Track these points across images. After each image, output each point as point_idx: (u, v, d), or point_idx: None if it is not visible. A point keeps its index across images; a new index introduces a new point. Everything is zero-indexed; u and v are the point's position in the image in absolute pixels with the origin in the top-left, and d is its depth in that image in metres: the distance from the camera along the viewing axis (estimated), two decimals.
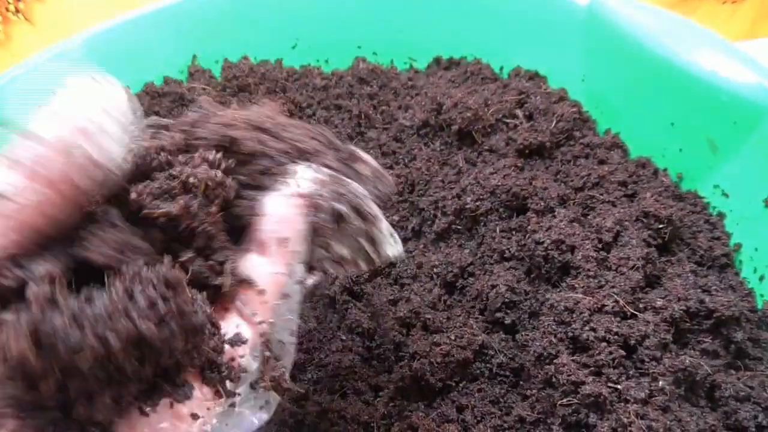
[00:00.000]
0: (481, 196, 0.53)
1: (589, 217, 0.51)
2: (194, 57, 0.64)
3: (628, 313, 0.42)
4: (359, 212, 0.30)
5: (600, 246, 0.47)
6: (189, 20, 0.64)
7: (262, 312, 0.28)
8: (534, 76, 0.64)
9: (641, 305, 0.43)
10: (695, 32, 0.54)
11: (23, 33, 0.88)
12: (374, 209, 0.31)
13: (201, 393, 0.26)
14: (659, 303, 0.43)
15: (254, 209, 0.28)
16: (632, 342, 0.41)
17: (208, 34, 0.65)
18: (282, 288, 0.28)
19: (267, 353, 0.28)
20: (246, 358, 0.27)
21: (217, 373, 0.26)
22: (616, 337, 0.41)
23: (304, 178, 0.29)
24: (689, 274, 0.47)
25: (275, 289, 0.28)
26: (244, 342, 0.27)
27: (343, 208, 0.29)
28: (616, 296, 0.43)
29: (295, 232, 0.28)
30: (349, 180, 0.30)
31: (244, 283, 0.28)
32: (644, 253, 0.46)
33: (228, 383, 0.27)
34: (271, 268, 0.28)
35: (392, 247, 0.32)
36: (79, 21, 0.61)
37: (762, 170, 0.50)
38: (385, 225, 0.31)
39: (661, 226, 0.49)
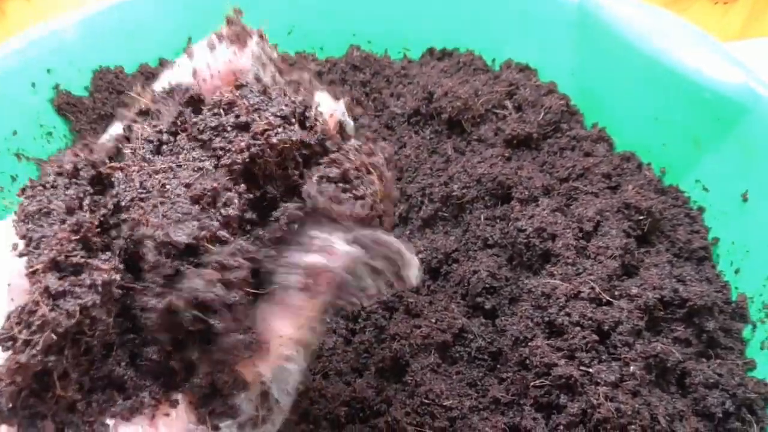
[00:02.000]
0: (468, 184, 0.54)
1: (571, 207, 0.52)
2: (189, 39, 0.65)
3: (604, 300, 0.44)
4: (388, 258, 0.28)
5: (580, 235, 0.48)
6: (185, 2, 0.65)
7: (263, 367, 0.27)
8: (525, 69, 0.65)
9: (617, 293, 0.45)
10: (683, 30, 0.55)
11: (18, 8, 0.88)
12: (397, 246, 0.28)
13: (186, 415, 0.26)
14: (634, 291, 0.44)
15: (285, 262, 0.27)
16: (606, 328, 0.42)
17: (204, 16, 0.66)
18: (286, 352, 0.27)
19: (257, 413, 0.27)
20: (242, 400, 0.27)
21: (213, 402, 0.26)
22: (590, 322, 0.42)
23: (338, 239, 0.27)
24: (666, 265, 0.48)
25: (278, 351, 0.27)
26: (245, 388, 0.27)
27: (377, 264, 0.28)
28: (592, 283, 0.44)
29: (317, 299, 0.27)
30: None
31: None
32: (623, 243, 0.47)
33: (215, 417, 0.26)
34: (281, 330, 0.27)
35: (415, 274, 0.31)
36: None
37: (741, 166, 0.51)
38: (408, 256, 0.29)
39: (641, 217, 0.50)
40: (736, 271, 0.50)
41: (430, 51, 0.69)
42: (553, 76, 0.64)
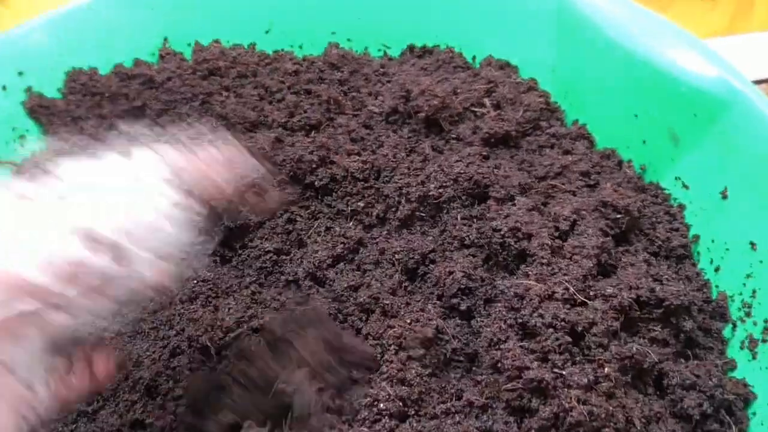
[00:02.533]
0: (444, 184, 0.53)
1: (548, 205, 0.51)
2: (166, 39, 0.64)
3: (578, 301, 0.43)
4: None
5: (556, 234, 0.48)
6: (162, 1, 0.64)
7: None
8: (505, 66, 0.64)
9: (592, 293, 0.44)
10: (660, 25, 0.54)
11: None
12: None
13: None
14: (609, 291, 0.43)
15: None
16: (580, 329, 0.42)
17: (181, 16, 0.65)
18: None
19: None
20: None
21: None
22: (563, 323, 0.41)
23: None
24: (643, 264, 0.47)
25: None
26: None
27: None
28: (567, 283, 0.43)
29: None
30: None
31: None
32: (599, 242, 0.47)
33: None
34: None
35: None
36: (56, 3, 0.61)
37: (720, 163, 0.50)
38: None
39: (618, 216, 0.49)
40: (716, 269, 0.50)
41: (410, 48, 0.68)
42: (534, 72, 0.64)
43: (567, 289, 0.43)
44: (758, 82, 0.76)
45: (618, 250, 0.49)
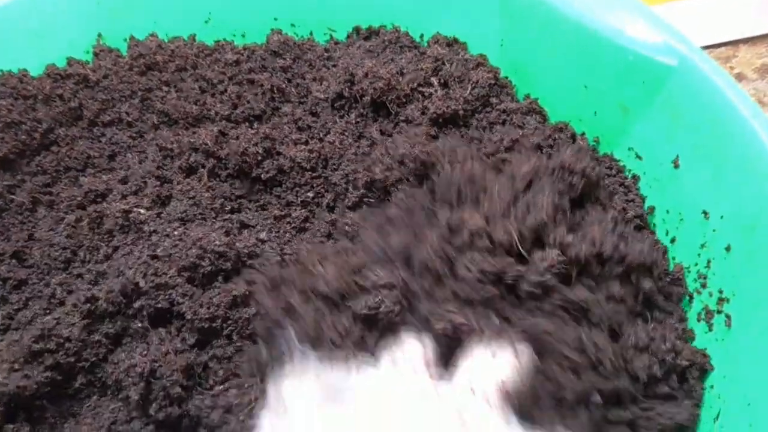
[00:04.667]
0: (390, 166, 0.51)
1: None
2: (99, 36, 0.62)
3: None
4: None
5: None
6: None
7: None
8: (453, 43, 0.62)
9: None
10: None
11: None
12: None
13: None
14: (569, 240, 0.42)
15: None
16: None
17: (114, 10, 0.62)
18: None
19: None
20: None
21: None
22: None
23: None
24: (610, 223, 0.46)
25: None
26: None
27: None
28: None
29: None
30: None
31: None
32: (556, 198, 0.45)
33: None
34: None
35: None
36: None
37: (670, 131, 0.49)
38: None
39: (574, 179, 0.47)
40: (672, 241, 0.49)
41: (357, 30, 0.66)
42: (483, 48, 0.62)
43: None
44: (707, 48, 0.74)
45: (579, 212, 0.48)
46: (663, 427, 0.40)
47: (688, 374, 0.42)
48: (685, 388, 0.41)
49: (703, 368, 0.42)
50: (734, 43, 0.76)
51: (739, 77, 0.73)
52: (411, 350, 0.38)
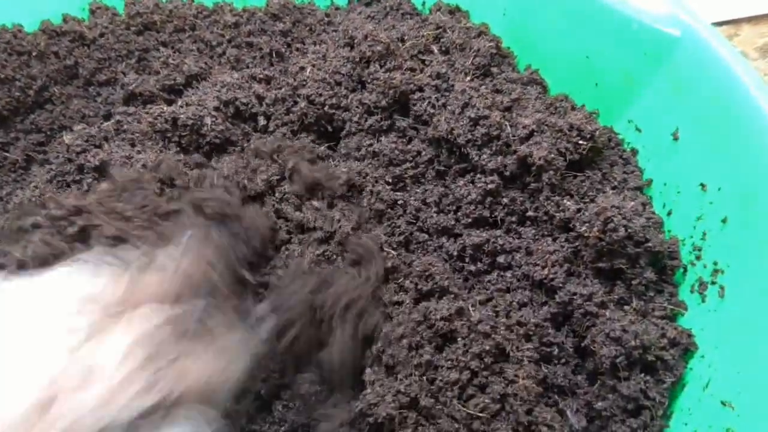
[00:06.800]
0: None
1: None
2: None
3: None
4: None
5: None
6: None
7: None
8: (455, 11, 0.62)
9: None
10: None
11: None
12: None
13: None
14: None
15: None
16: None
17: None
18: None
19: None
20: None
21: None
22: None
23: None
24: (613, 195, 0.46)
25: None
26: None
27: None
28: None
29: None
30: None
31: None
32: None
33: None
34: None
35: None
36: None
37: (672, 103, 0.48)
38: None
39: (582, 141, 0.47)
40: (669, 213, 0.48)
41: None
42: (485, 17, 0.61)
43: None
44: (719, 24, 0.74)
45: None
46: None
47: (659, 364, 0.41)
48: (656, 375, 0.41)
49: (686, 348, 0.42)
50: (736, 22, 0.76)
51: None
52: None
